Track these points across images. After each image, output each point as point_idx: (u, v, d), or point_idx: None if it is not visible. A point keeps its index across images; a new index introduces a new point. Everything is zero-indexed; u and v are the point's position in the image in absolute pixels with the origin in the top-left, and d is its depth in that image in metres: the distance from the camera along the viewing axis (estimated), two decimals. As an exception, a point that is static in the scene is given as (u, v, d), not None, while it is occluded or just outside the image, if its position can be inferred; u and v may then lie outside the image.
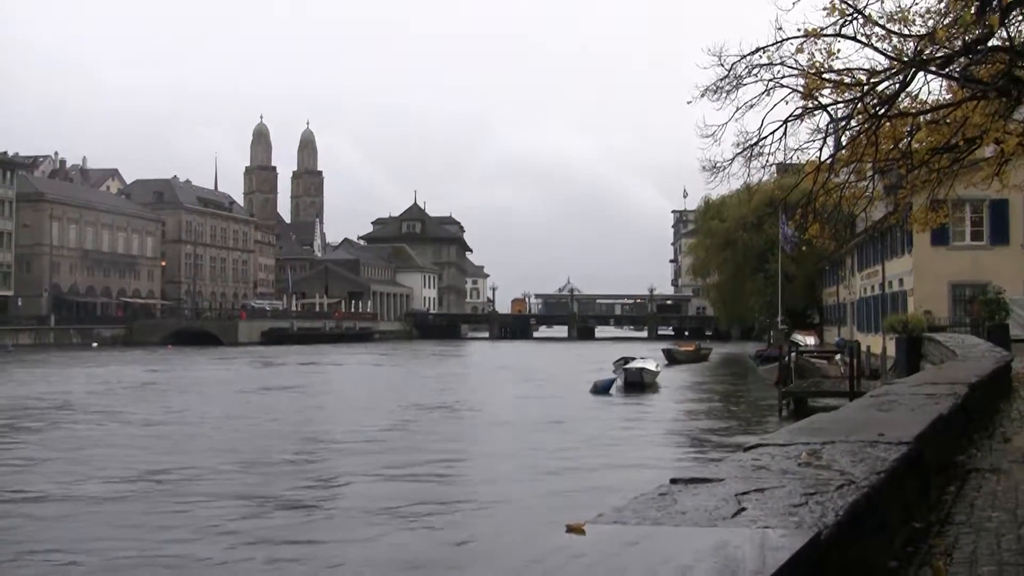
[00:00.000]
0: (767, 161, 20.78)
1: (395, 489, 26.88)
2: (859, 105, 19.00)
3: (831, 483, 5.08)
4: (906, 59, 17.85)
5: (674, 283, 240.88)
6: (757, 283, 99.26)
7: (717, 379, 72.50)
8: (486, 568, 3.32)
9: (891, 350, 47.48)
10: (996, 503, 8.53)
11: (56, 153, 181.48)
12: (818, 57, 18.36)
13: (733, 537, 3.83)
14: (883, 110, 18.85)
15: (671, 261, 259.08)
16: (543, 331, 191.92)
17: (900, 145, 19.99)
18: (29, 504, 24.58)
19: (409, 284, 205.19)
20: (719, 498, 4.58)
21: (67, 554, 19.46)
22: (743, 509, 4.34)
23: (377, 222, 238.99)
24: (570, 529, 3.87)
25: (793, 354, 49.57)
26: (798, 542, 3.76)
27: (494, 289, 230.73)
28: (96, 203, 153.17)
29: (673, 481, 5.06)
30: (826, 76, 18.63)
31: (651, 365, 65.23)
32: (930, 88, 21.06)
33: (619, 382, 59.58)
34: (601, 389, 57.22)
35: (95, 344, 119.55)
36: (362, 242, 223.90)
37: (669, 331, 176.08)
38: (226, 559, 19.04)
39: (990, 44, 17.62)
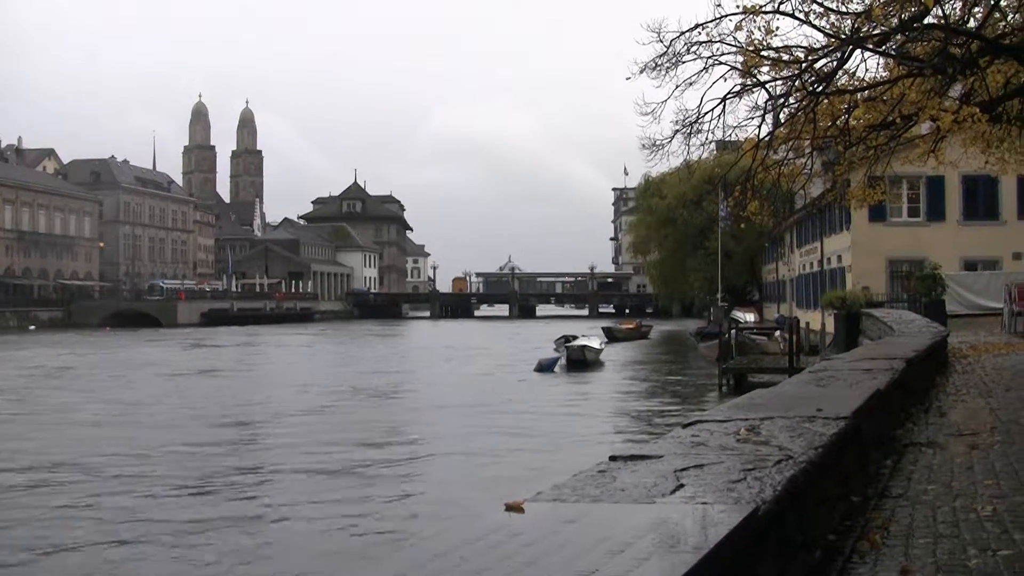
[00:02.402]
0: (706, 139, 20.84)
1: (326, 472, 26.67)
2: (797, 83, 19.07)
3: (769, 458, 5.10)
4: (844, 36, 17.94)
5: (615, 261, 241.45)
6: (697, 260, 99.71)
7: (658, 356, 72.79)
8: (423, 548, 3.30)
9: (830, 326, 47.91)
10: (932, 476, 8.63)
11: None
12: (757, 35, 18.40)
13: (672, 513, 3.84)
14: (821, 87, 18.94)
15: (612, 239, 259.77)
16: (484, 310, 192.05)
17: (838, 122, 20.11)
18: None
19: (350, 264, 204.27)
20: (658, 475, 4.59)
21: None
22: (682, 485, 4.36)
23: (317, 201, 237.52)
24: (509, 507, 3.87)
25: (733, 331, 49.79)
26: (736, 517, 3.78)
27: (435, 268, 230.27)
28: (32, 183, 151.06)
29: (612, 458, 5.06)
30: (764, 54, 18.68)
31: (594, 343, 65.40)
32: (867, 66, 21.19)
33: (562, 360, 59.68)
34: (545, 367, 57.34)
35: (32, 327, 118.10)
36: (302, 222, 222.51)
37: (610, 309, 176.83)
38: (135, 554, 18.89)
39: (926, 22, 17.75)
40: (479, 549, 3.28)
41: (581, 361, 59.84)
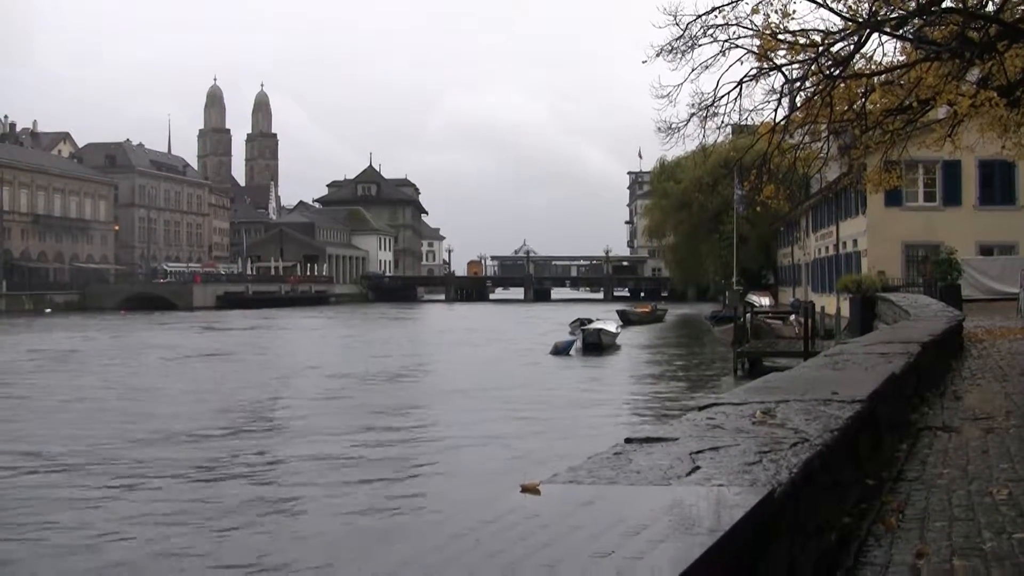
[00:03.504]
0: (722, 122, 20.81)
1: (340, 456, 26.71)
2: (814, 66, 19.01)
3: (785, 441, 5.10)
4: (861, 20, 17.87)
5: (630, 244, 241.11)
6: (712, 244, 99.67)
7: (673, 340, 72.75)
8: (439, 530, 3.31)
9: (845, 310, 47.83)
10: (947, 460, 8.62)
11: (5, 117, 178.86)
12: (773, 18, 18.36)
13: (687, 495, 3.84)
14: (838, 71, 18.88)
15: (627, 223, 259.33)
16: (499, 293, 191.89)
17: (854, 106, 20.04)
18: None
19: (365, 247, 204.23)
20: (673, 457, 4.60)
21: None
22: (697, 467, 4.36)
23: (332, 185, 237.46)
24: (524, 489, 3.87)
25: (748, 315, 49.76)
26: (752, 500, 3.78)
27: (450, 252, 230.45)
28: (47, 167, 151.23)
29: (628, 440, 5.07)
30: (781, 37, 18.63)
31: (610, 326, 65.44)
32: (884, 50, 21.24)
33: (578, 344, 59.70)
34: (561, 350, 57.37)
35: (48, 310, 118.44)
36: (317, 205, 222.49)
37: (625, 292, 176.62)
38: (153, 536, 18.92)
39: (944, 6, 17.69)
40: (495, 531, 3.29)
41: (597, 344, 59.86)
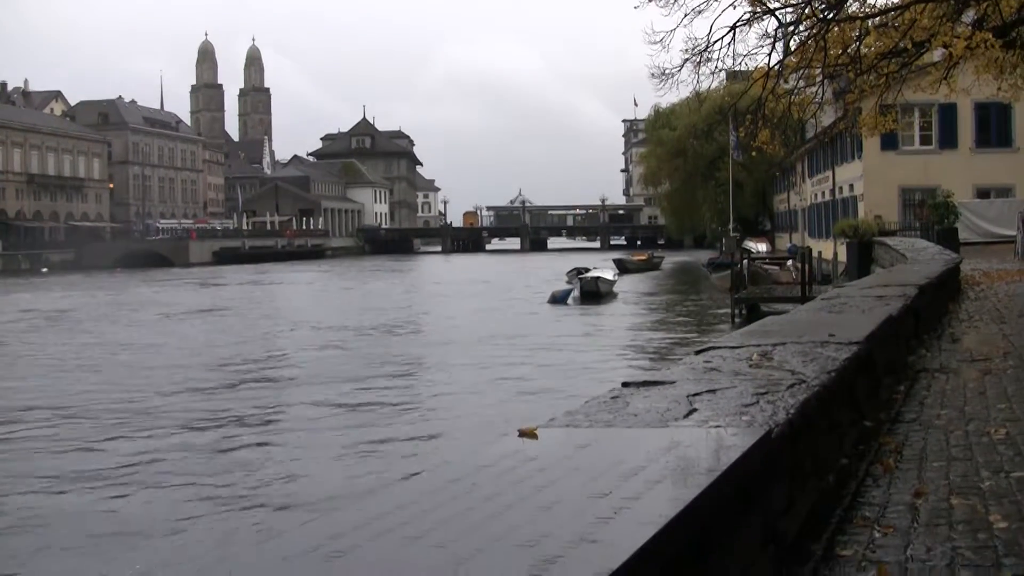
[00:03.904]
0: (716, 67, 20.72)
1: (336, 406, 26.81)
2: (807, 10, 18.92)
3: (782, 383, 5.11)
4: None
5: (626, 193, 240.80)
6: (708, 191, 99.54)
7: (670, 288, 72.83)
8: (436, 475, 3.31)
9: (842, 255, 47.87)
10: (945, 402, 8.64)
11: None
12: (766, -39, 18.25)
13: (685, 437, 3.84)
14: (831, 14, 18.78)
15: (622, 171, 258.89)
16: (496, 244, 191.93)
17: (849, 50, 19.94)
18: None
19: (360, 200, 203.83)
20: (671, 400, 4.60)
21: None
22: (695, 410, 4.36)
23: (326, 138, 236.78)
24: (522, 434, 3.87)
25: (745, 261, 49.76)
26: (749, 440, 3.78)
27: (446, 203, 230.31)
28: (40, 126, 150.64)
29: (625, 384, 5.07)
30: (774, -20, 18.53)
31: (607, 275, 65.52)
32: (878, -9, 21.03)
33: (576, 292, 59.81)
34: (558, 299, 57.52)
35: (45, 269, 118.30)
36: (312, 159, 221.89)
37: (622, 241, 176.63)
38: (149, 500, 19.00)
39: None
40: (492, 475, 3.29)
41: (594, 293, 59.95)
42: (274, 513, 16.85)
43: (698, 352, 6.50)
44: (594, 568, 2.39)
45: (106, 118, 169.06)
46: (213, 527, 16.45)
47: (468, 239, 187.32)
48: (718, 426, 4.03)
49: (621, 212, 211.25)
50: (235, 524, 16.51)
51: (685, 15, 19.65)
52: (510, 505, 2.93)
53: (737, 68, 22.70)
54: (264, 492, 18.44)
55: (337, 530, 2.73)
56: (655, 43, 20.48)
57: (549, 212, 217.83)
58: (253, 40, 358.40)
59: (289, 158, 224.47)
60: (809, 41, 19.54)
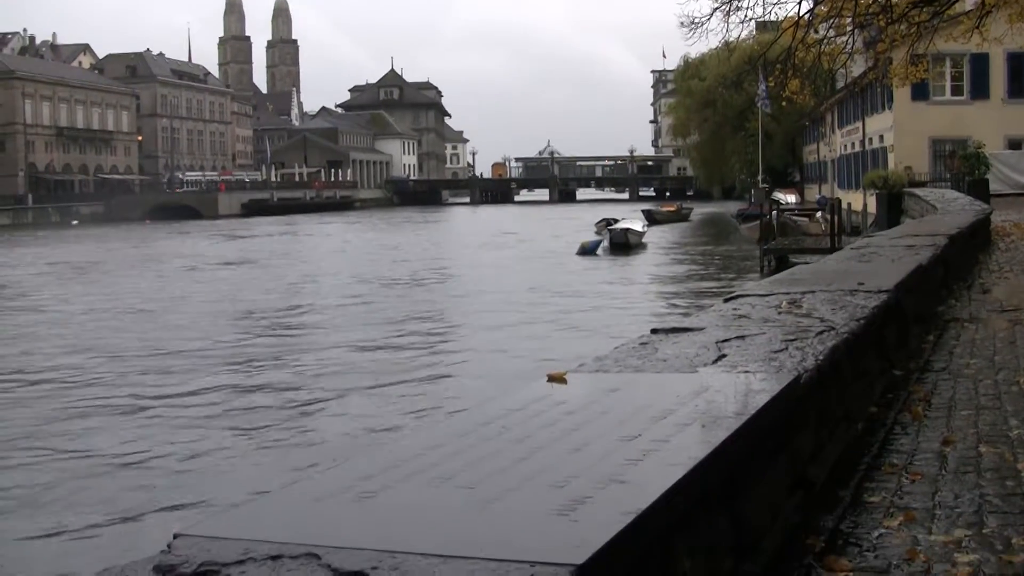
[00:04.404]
0: (746, 16, 20.61)
1: (367, 354, 26.93)
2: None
3: (811, 330, 5.10)
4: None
5: (654, 144, 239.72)
6: (737, 142, 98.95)
7: (699, 238, 72.60)
8: (466, 417, 3.33)
9: (872, 207, 47.55)
10: (974, 351, 8.62)
11: (25, 30, 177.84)
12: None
13: (714, 381, 3.85)
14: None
15: (651, 122, 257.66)
16: (524, 195, 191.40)
17: (880, -2, 19.77)
18: None
19: (388, 151, 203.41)
20: (699, 346, 4.60)
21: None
22: (724, 355, 4.37)
23: (354, 90, 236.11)
24: (551, 379, 3.89)
25: (774, 212, 49.50)
26: (778, 385, 3.79)
27: (474, 154, 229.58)
28: (69, 79, 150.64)
29: (654, 331, 5.07)
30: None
31: (636, 226, 65.35)
32: (910, -62, 20.80)
33: (605, 243, 59.72)
34: (588, 250, 57.45)
35: (75, 222, 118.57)
36: (340, 110, 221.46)
37: (651, 192, 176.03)
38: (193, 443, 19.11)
39: None
40: (522, 417, 3.31)
41: (624, 244, 59.84)
42: (304, 456, 16.98)
43: (727, 300, 6.50)
44: (623, 507, 2.41)
45: (134, 71, 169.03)
46: (244, 470, 16.60)
47: (496, 190, 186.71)
48: (747, 371, 4.04)
49: (650, 163, 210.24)
50: (266, 467, 16.66)
51: (715, -37, 19.51)
52: (540, 447, 2.95)
53: (767, 17, 22.58)
54: (293, 437, 18.59)
55: (368, 471, 2.76)
56: (684, -8, 20.36)
57: (578, 163, 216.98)
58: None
59: (317, 110, 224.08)
60: (840, -11, 19.39)
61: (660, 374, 4.04)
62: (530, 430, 3.14)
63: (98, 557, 11.26)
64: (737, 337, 4.82)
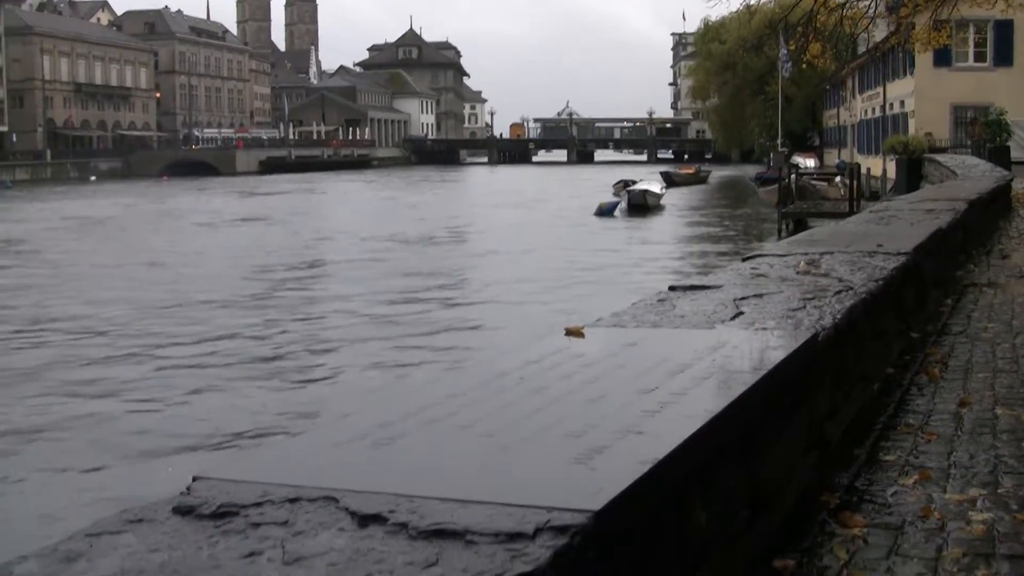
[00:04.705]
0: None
1: (382, 308, 27.01)
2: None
3: (829, 289, 5.10)
4: None
5: (673, 106, 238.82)
6: (757, 106, 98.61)
7: (717, 201, 72.48)
8: (483, 369, 3.34)
9: (891, 172, 47.36)
10: (992, 315, 8.61)
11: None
12: None
13: (731, 337, 3.85)
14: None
15: (670, 84, 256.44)
16: (542, 155, 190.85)
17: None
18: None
19: (407, 110, 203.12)
20: (717, 303, 4.60)
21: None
22: (741, 313, 4.37)
23: (373, 48, 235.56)
24: (569, 332, 3.89)
25: (793, 176, 49.37)
26: (796, 342, 3.79)
27: (492, 114, 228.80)
28: (87, 35, 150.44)
29: (672, 288, 5.08)
30: None
31: (655, 187, 65.27)
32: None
33: (623, 204, 59.68)
34: (605, 211, 57.42)
35: (93, 178, 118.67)
36: (358, 69, 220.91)
37: (669, 154, 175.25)
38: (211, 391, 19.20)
39: None
40: (539, 369, 3.32)
41: (642, 205, 59.81)
42: (321, 404, 17.10)
43: (745, 259, 6.49)
44: (640, 457, 2.42)
45: (152, 27, 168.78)
46: (261, 416, 16.72)
47: (514, 151, 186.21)
48: (764, 328, 4.04)
49: (668, 126, 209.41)
50: (283, 414, 16.77)
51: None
52: (557, 398, 2.96)
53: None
54: (310, 385, 18.73)
55: (386, 418, 2.77)
56: (706, -48, 20.23)
57: (596, 124, 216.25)
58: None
59: (336, 68, 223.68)
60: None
61: (677, 329, 4.04)
62: (548, 381, 3.15)
63: (117, 498, 11.34)
64: (755, 295, 4.82)
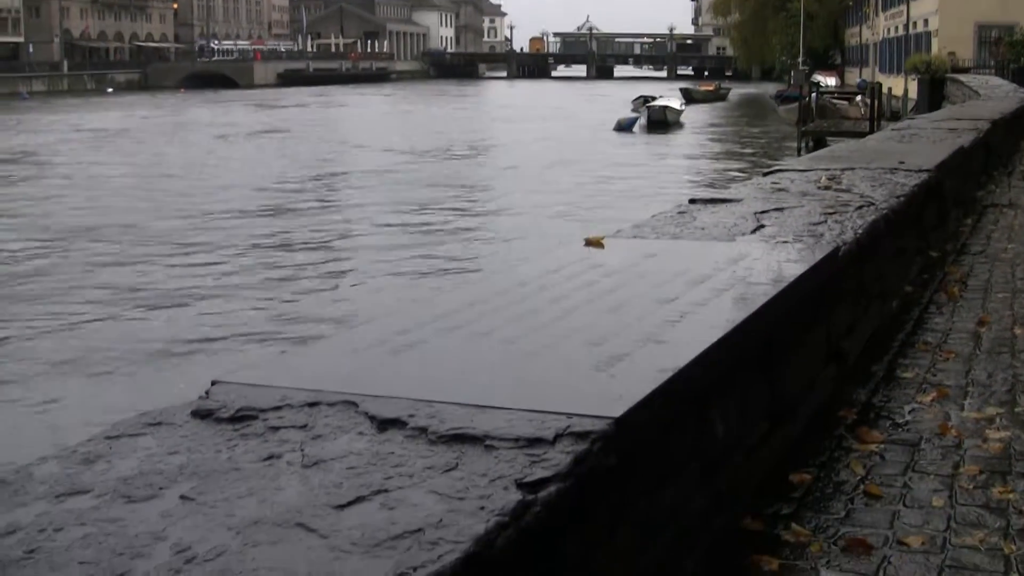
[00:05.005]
0: None
1: (402, 217, 27.07)
2: None
3: (851, 204, 5.07)
4: None
5: (694, 22, 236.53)
6: (779, 22, 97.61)
7: (737, 118, 72.03)
8: (504, 277, 3.33)
9: (912, 92, 46.97)
10: (1013, 236, 8.56)
11: None
12: None
13: (752, 250, 3.83)
14: None
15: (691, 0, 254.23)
16: (561, 70, 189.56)
17: None
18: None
19: (426, 23, 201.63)
20: (738, 216, 4.58)
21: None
22: (762, 226, 4.34)
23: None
24: (589, 243, 3.88)
25: (814, 95, 49.01)
26: (817, 256, 3.77)
27: (512, 28, 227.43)
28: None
29: (692, 201, 5.05)
30: None
31: (675, 103, 64.85)
32: None
33: (642, 120, 59.35)
34: (625, 127, 57.11)
35: (110, 89, 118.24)
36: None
37: (689, 71, 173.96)
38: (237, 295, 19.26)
39: None
40: (559, 278, 3.31)
41: (662, 122, 59.45)
42: (339, 311, 17.19)
43: (766, 174, 6.45)
44: (661, 365, 2.42)
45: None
46: (279, 324, 16.83)
47: (533, 65, 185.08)
48: (785, 242, 4.02)
49: (689, 42, 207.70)
50: (301, 321, 16.88)
51: None
52: (577, 307, 2.95)
53: None
54: (328, 293, 18.85)
55: (405, 325, 2.77)
56: None
57: (616, 40, 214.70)
58: None
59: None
60: None
61: (698, 241, 4.02)
62: (567, 291, 3.14)
63: (136, 401, 11.44)
64: (776, 209, 4.79)
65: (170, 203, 30.46)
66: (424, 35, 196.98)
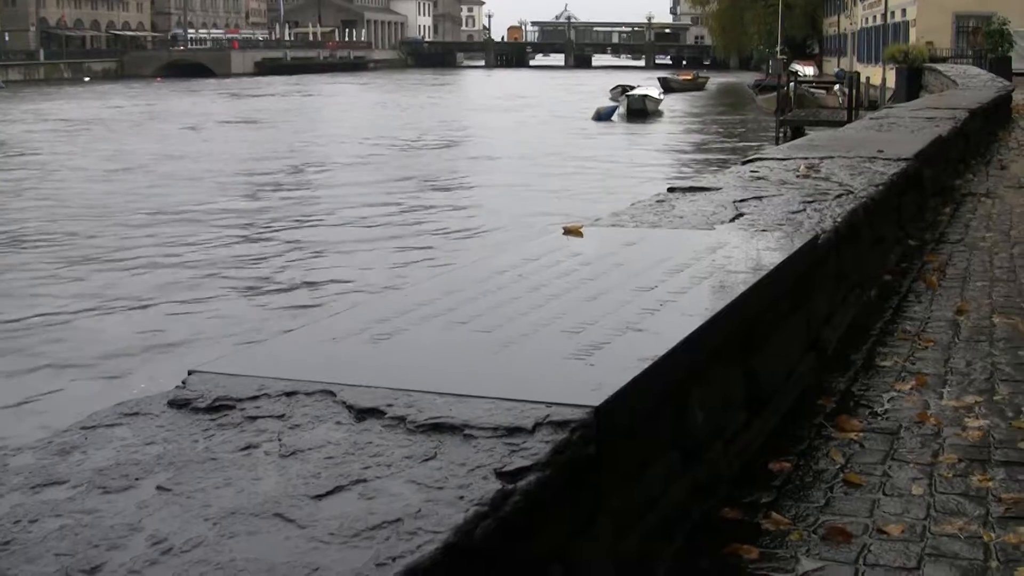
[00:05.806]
0: None
1: (379, 210, 26.98)
2: None
3: (829, 193, 5.07)
4: None
5: (673, 11, 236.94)
6: (757, 12, 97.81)
7: (715, 108, 72.06)
8: (482, 265, 3.32)
9: (891, 81, 47.08)
10: (991, 225, 8.59)
11: None
12: None
13: (731, 238, 3.83)
14: None
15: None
16: (539, 59, 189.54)
17: None
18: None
19: (404, 12, 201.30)
20: (717, 204, 4.58)
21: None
22: (741, 214, 4.34)
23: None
24: (567, 231, 3.87)
25: (792, 84, 49.10)
26: (795, 244, 3.77)
27: (490, 17, 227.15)
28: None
29: (671, 190, 5.05)
30: None
31: (653, 92, 64.89)
32: None
33: (621, 109, 59.37)
34: (603, 116, 57.10)
35: (87, 79, 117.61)
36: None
37: (667, 60, 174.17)
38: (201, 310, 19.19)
39: None
40: (537, 267, 3.30)
41: (641, 111, 59.48)
42: (316, 301, 17.14)
43: (744, 162, 6.46)
44: (640, 354, 2.41)
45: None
46: (255, 313, 16.78)
47: (512, 54, 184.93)
48: (764, 230, 4.02)
49: (667, 31, 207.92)
50: (277, 312, 16.83)
51: None
52: (556, 295, 2.94)
53: None
54: (304, 284, 18.78)
55: (383, 314, 2.75)
56: None
57: (594, 29, 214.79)
58: None
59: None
60: None
61: (677, 230, 4.02)
62: (546, 279, 3.12)
63: (113, 391, 11.39)
64: (755, 197, 4.79)
65: (141, 195, 30.31)
66: (402, 24, 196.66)
